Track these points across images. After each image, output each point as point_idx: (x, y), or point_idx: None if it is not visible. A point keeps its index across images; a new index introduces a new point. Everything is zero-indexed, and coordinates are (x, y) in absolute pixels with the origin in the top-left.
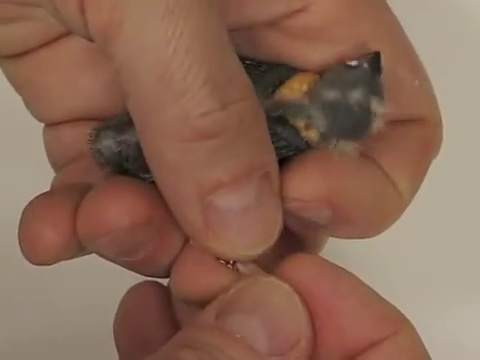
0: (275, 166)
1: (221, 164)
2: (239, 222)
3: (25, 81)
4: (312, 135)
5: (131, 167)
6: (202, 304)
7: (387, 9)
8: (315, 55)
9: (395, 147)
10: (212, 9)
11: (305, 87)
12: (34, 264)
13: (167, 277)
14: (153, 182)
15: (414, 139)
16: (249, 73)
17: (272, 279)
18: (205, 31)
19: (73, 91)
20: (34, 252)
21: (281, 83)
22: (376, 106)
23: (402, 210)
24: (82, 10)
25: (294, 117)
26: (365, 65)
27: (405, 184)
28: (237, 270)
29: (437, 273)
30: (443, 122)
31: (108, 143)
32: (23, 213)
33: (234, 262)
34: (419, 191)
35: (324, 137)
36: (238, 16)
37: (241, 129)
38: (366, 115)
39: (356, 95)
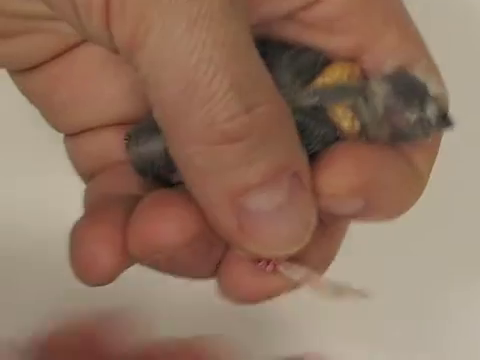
0: (305, 164)
1: (249, 166)
2: (272, 222)
3: (39, 95)
4: (356, 126)
5: (164, 172)
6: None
7: None
8: (330, 44)
9: None
10: (235, 15)
11: (346, 77)
12: (89, 285)
13: (213, 278)
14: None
15: None
16: (277, 57)
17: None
18: (228, 38)
19: (89, 100)
20: (89, 275)
21: (319, 69)
22: (437, 122)
23: (423, 190)
24: (107, 25)
25: (338, 104)
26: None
27: (424, 165)
28: (276, 270)
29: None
30: None
31: (137, 155)
32: (71, 235)
33: (272, 261)
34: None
35: (365, 131)
36: (256, 14)
37: (267, 131)
38: (428, 129)
39: (430, 109)
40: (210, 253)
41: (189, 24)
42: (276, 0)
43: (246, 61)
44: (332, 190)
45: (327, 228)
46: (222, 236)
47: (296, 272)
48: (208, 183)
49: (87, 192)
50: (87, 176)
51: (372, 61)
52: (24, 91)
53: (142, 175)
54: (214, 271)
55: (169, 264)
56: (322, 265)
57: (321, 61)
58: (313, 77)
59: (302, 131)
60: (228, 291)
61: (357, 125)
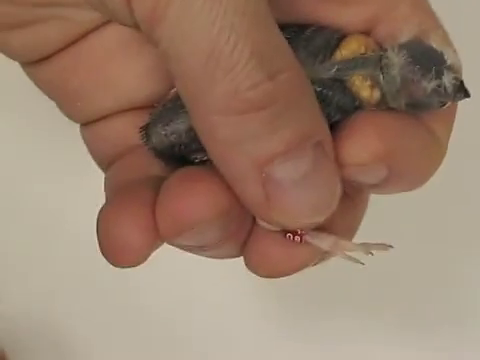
0: (327, 133)
1: (273, 134)
2: (299, 191)
3: (53, 86)
4: (375, 95)
5: (185, 152)
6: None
7: None
8: (344, 16)
9: None
10: None
11: (363, 49)
12: (120, 267)
13: (240, 256)
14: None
15: None
16: (293, 39)
17: None
18: (248, 7)
19: (103, 87)
20: (119, 256)
21: (335, 46)
22: (453, 91)
23: (443, 157)
24: (128, 0)
25: (359, 74)
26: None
27: (442, 132)
28: (304, 240)
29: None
30: None
31: (158, 139)
32: (98, 218)
33: (299, 232)
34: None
35: (384, 100)
36: None
37: (290, 99)
38: (444, 98)
39: (441, 81)
40: (239, 229)
41: None
42: None
43: (266, 29)
44: (356, 159)
45: (350, 199)
46: (249, 208)
47: (324, 240)
48: (233, 154)
49: (108, 179)
50: (106, 164)
51: (387, 31)
52: (37, 83)
53: (163, 159)
54: (242, 249)
55: (199, 242)
56: (347, 235)
57: (336, 38)
58: (331, 54)
59: (321, 101)
60: (257, 266)
61: (376, 94)
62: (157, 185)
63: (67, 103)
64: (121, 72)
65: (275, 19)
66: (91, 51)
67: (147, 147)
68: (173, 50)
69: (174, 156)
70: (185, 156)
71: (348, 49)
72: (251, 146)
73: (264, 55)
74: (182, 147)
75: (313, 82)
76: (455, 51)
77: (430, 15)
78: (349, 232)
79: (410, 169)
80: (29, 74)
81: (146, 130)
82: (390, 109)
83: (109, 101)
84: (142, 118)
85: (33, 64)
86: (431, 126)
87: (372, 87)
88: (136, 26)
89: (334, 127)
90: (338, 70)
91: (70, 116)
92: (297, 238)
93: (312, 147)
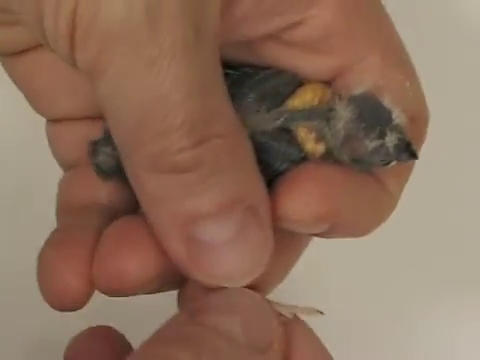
0: (262, 197)
1: (198, 196)
2: (221, 255)
3: (22, 80)
4: (319, 148)
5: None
6: None
7: (383, 16)
8: (313, 65)
9: None
10: (200, 51)
11: (316, 100)
12: (59, 310)
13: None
14: None
15: None
16: (244, 81)
17: (244, 289)
18: (188, 76)
19: (66, 93)
20: (58, 303)
21: (288, 94)
22: (396, 152)
23: (393, 209)
24: (72, 49)
25: (304, 126)
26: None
27: (394, 184)
28: None
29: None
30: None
31: (105, 158)
32: (39, 258)
33: None
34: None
35: (330, 153)
36: (238, 33)
37: (218, 164)
38: (386, 158)
39: (390, 139)
40: (175, 279)
41: (149, 63)
42: (257, 20)
43: (204, 97)
44: (296, 217)
45: (289, 240)
46: (175, 264)
47: None
48: (158, 210)
49: (61, 187)
50: (64, 165)
51: (350, 82)
52: (9, 74)
53: (103, 177)
54: (179, 284)
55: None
56: (280, 275)
57: (294, 84)
58: (283, 100)
59: (266, 152)
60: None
61: (320, 148)
62: (100, 222)
63: (34, 99)
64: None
65: (234, 57)
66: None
67: (91, 162)
68: (107, 105)
69: (115, 176)
70: (127, 178)
71: (301, 99)
72: (175, 205)
73: (195, 123)
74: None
75: (259, 133)
76: (423, 104)
77: (401, 66)
78: (283, 272)
79: (354, 223)
80: (3, 64)
81: (94, 147)
82: (338, 162)
83: (71, 106)
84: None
85: (9, 56)
86: (382, 180)
87: (317, 140)
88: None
89: (280, 177)
90: (285, 120)
91: (36, 111)
92: None
93: (241, 211)
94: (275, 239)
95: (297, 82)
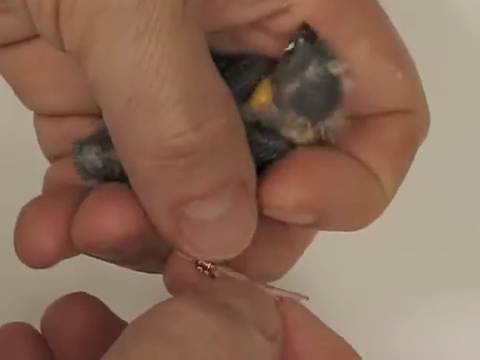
0: (252, 172)
1: (193, 180)
2: (211, 231)
3: (10, 73)
4: (294, 134)
5: (115, 179)
6: None
7: (375, 5)
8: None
9: (377, 140)
10: (188, 25)
11: (269, 94)
12: (31, 267)
13: (162, 272)
14: None
15: (398, 131)
16: (227, 70)
17: (247, 279)
18: (177, 50)
19: (58, 88)
20: (30, 257)
21: (249, 94)
22: (334, 69)
23: (386, 205)
24: (57, 29)
25: (273, 126)
26: (300, 40)
27: (389, 178)
28: (212, 276)
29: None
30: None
31: (92, 159)
32: (19, 217)
33: (209, 267)
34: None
35: (306, 128)
36: (221, 19)
37: (214, 147)
38: (332, 83)
39: (311, 73)
40: (157, 248)
41: (137, 35)
42: (241, 7)
43: (196, 72)
44: (279, 203)
45: (289, 232)
46: (163, 237)
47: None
48: (151, 192)
49: (46, 176)
50: (50, 157)
51: None
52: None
53: (86, 176)
54: (162, 265)
55: (116, 257)
56: (278, 270)
57: (266, 70)
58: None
59: (250, 142)
60: (171, 287)
61: (296, 131)
62: (81, 196)
63: (21, 93)
64: (74, 77)
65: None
66: (47, 51)
67: (75, 161)
68: (98, 85)
69: (99, 177)
70: (109, 180)
71: (257, 101)
72: (169, 188)
73: (192, 100)
74: (110, 175)
75: (244, 122)
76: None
77: (393, 57)
78: (281, 268)
79: (343, 215)
80: None
81: (81, 146)
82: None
83: (59, 102)
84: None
85: None
86: (375, 172)
87: (287, 129)
88: (66, 52)
89: (269, 166)
90: (260, 121)
91: (24, 103)
92: (206, 272)
93: (232, 189)
94: (277, 233)
95: (273, 68)
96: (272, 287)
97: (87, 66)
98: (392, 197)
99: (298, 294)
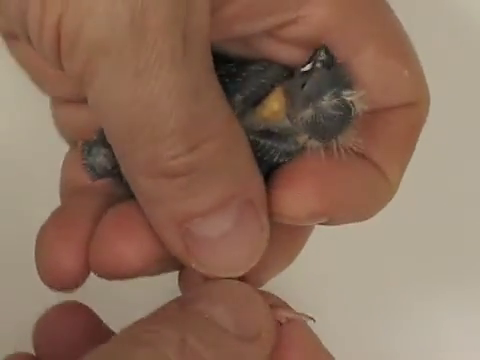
0: (259, 189)
1: (193, 197)
2: (217, 248)
3: (28, 64)
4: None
5: (124, 180)
6: None
7: (382, 7)
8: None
9: (384, 136)
10: (189, 61)
11: (282, 104)
12: (55, 290)
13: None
14: None
15: (403, 124)
16: (238, 74)
17: (235, 280)
18: (176, 86)
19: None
20: (53, 281)
21: (259, 100)
22: (350, 97)
23: (392, 196)
24: (59, 57)
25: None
26: (318, 65)
27: (394, 170)
28: None
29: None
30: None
31: (101, 160)
32: (38, 237)
33: None
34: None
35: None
36: (231, 31)
37: (213, 165)
38: (347, 111)
39: (327, 103)
40: (175, 262)
41: (136, 74)
42: (249, 19)
43: (194, 103)
44: (292, 214)
45: (291, 230)
46: (172, 253)
47: None
48: (154, 209)
49: (64, 167)
50: (69, 142)
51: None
52: (15, 55)
53: (94, 176)
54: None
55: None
56: (283, 264)
57: (281, 78)
58: (256, 106)
59: (259, 150)
60: (185, 287)
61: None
62: (100, 206)
63: (38, 79)
64: None
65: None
66: None
67: (84, 162)
68: (99, 113)
69: (108, 176)
70: (119, 179)
71: (269, 110)
72: (170, 205)
73: (187, 129)
74: (119, 176)
75: (248, 130)
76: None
77: (399, 56)
78: (285, 262)
79: (353, 212)
80: (9, 45)
81: (90, 148)
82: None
83: (73, 89)
84: None
85: (10, 37)
86: (381, 167)
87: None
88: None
89: (277, 169)
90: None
91: (41, 89)
92: None
93: (237, 206)
94: (275, 233)
95: (284, 75)
96: (283, 304)
97: (87, 93)
98: (398, 187)
99: (305, 315)
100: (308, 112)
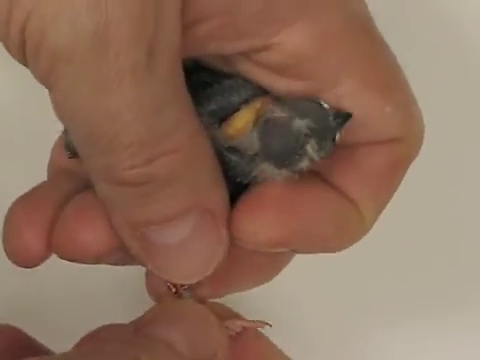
0: (221, 201)
1: (149, 206)
2: (172, 254)
3: None
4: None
5: None
6: None
7: (367, 32)
8: (282, 86)
9: (361, 171)
10: (150, 76)
11: (250, 124)
12: (18, 266)
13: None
14: None
15: (383, 160)
16: (211, 86)
17: (189, 300)
18: (136, 100)
19: None
20: (16, 257)
21: (224, 119)
22: (311, 148)
23: (364, 234)
24: (25, 59)
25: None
26: (330, 115)
27: (370, 208)
28: (179, 296)
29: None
30: None
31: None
32: (6, 215)
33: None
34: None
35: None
36: (204, 50)
37: (171, 177)
38: (297, 147)
39: (298, 125)
40: None
41: (96, 85)
42: (222, 41)
43: (155, 119)
44: (252, 240)
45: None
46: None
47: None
48: (113, 211)
49: (53, 147)
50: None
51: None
52: None
53: (71, 157)
54: None
55: (98, 263)
56: (255, 284)
57: (251, 97)
58: (222, 123)
59: (227, 164)
60: (149, 291)
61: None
62: (73, 190)
63: None
64: None
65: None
66: None
67: (62, 139)
68: (60, 114)
69: None
70: None
71: (233, 127)
72: (126, 210)
73: (145, 142)
74: None
75: (218, 146)
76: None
77: (383, 91)
78: (257, 281)
79: (318, 245)
80: None
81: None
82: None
83: None
84: None
85: None
86: (356, 201)
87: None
88: None
89: (244, 192)
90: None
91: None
92: (174, 289)
93: (195, 216)
94: (250, 254)
95: (257, 94)
96: (235, 316)
97: (51, 97)
98: (372, 225)
99: (262, 322)
100: (275, 115)
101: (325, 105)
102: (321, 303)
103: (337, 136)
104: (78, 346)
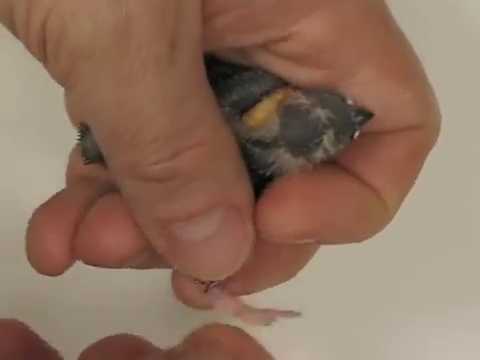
0: (246, 196)
1: (175, 202)
2: (199, 251)
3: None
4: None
5: None
6: None
7: (385, 25)
8: (301, 76)
9: (383, 159)
10: (173, 68)
11: (271, 115)
12: (42, 274)
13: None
14: None
15: (404, 147)
16: (231, 77)
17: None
18: (160, 93)
19: None
20: (40, 265)
21: (246, 110)
22: (328, 139)
23: (388, 222)
24: (45, 58)
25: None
26: (352, 111)
27: (392, 195)
28: (208, 292)
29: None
30: None
31: (94, 143)
32: (29, 222)
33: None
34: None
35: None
36: (222, 43)
37: (196, 171)
38: (315, 135)
39: (318, 113)
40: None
41: (119, 81)
42: (241, 33)
43: (179, 112)
44: (278, 233)
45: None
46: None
47: (227, 303)
48: (139, 209)
49: (72, 153)
50: (76, 126)
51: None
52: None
53: (89, 159)
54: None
55: (123, 267)
56: (280, 280)
57: (272, 88)
58: (244, 114)
59: (250, 157)
60: (176, 293)
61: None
62: (93, 195)
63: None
64: None
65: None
66: None
67: (79, 144)
68: (85, 114)
69: (98, 162)
70: None
71: (253, 118)
72: (152, 207)
73: (170, 136)
74: None
75: (241, 139)
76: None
77: (401, 78)
78: (282, 277)
79: (343, 235)
80: None
81: (86, 130)
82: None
83: None
84: None
85: None
86: (378, 190)
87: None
88: None
89: (268, 184)
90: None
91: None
92: (202, 287)
93: (221, 211)
94: (275, 248)
95: (277, 86)
96: (263, 312)
97: (72, 96)
98: (395, 213)
99: (291, 311)
100: (296, 102)
101: (349, 101)
102: (321, 303)
103: (356, 133)
104: (88, 354)
